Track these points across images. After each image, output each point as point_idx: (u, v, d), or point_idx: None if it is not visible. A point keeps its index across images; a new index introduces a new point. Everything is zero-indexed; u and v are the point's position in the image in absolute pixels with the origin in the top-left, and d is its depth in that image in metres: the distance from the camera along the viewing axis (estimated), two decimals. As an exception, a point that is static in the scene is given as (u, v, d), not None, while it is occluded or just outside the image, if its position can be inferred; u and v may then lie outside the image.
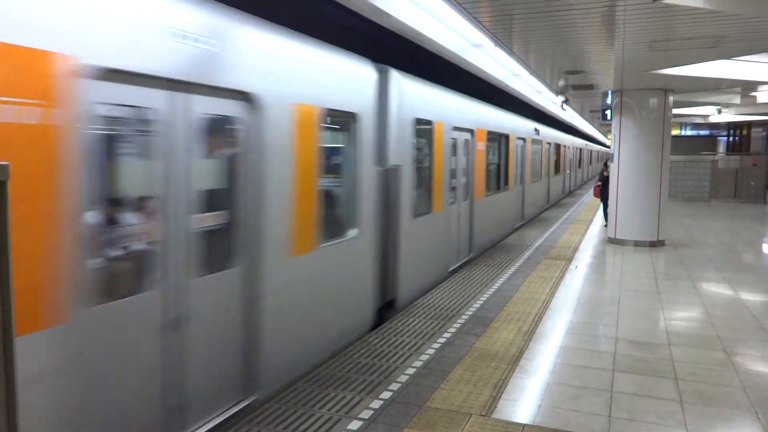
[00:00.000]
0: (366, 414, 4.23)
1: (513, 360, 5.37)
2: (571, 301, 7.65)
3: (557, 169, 22.63)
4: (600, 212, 16.45)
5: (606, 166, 14.36)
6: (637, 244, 12.06)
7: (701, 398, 4.64)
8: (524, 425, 4.11)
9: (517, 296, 7.73)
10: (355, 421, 4.11)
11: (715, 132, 40.11)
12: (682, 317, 7.06)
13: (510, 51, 8.44)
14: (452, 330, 6.22)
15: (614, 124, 12.49)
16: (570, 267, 9.78)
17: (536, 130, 16.83)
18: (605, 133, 37.15)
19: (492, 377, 4.95)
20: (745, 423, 4.27)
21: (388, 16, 5.78)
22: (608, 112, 13.59)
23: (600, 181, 15.17)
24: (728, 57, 8.72)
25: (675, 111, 16.42)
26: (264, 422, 4.08)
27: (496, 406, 4.40)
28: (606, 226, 13.74)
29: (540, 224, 15.66)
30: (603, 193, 14.42)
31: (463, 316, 6.73)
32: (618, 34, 7.10)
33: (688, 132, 40.86)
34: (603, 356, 5.58)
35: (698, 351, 5.77)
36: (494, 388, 4.73)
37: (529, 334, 6.13)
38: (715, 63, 9.38)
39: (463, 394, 4.61)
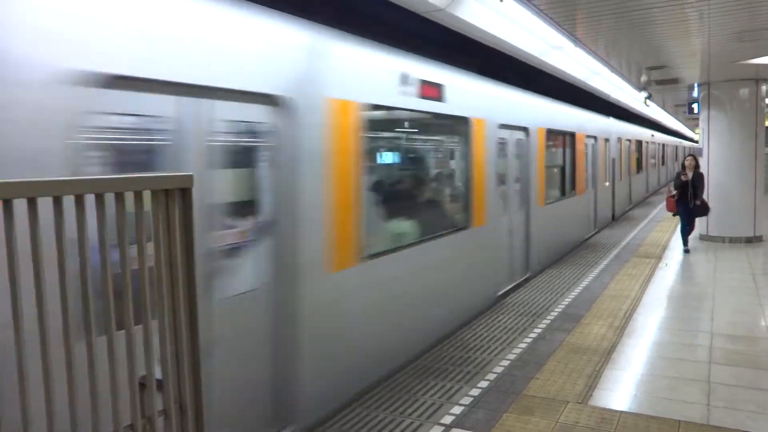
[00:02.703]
0: (466, 400, 4.53)
1: (605, 353, 5.49)
2: (663, 297, 7.60)
3: (638, 168, 21.70)
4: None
5: (683, 167, 10.63)
6: (732, 240, 11.64)
7: (804, 389, 4.62)
8: (621, 412, 4.27)
9: (606, 293, 7.77)
10: (456, 407, 4.42)
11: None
12: (783, 312, 6.88)
13: (590, 50, 8.49)
14: (542, 326, 6.40)
15: (702, 117, 12.14)
16: (660, 264, 9.64)
17: (611, 126, 16.02)
18: (692, 127, 35.51)
19: (585, 369, 5.11)
20: None
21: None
22: (695, 105, 13.21)
23: (676, 188, 10.60)
24: (824, 42, 8.36)
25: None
26: (373, 406, 4.47)
27: (591, 395, 4.57)
28: (686, 251, 10.63)
29: (626, 223, 15.35)
30: (682, 205, 10.50)
31: (553, 313, 6.88)
32: (702, 27, 7.05)
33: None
34: (698, 349, 5.59)
35: (801, 344, 5.67)
36: (588, 378, 4.90)
37: (621, 329, 6.21)
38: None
39: (558, 383, 4.81)
